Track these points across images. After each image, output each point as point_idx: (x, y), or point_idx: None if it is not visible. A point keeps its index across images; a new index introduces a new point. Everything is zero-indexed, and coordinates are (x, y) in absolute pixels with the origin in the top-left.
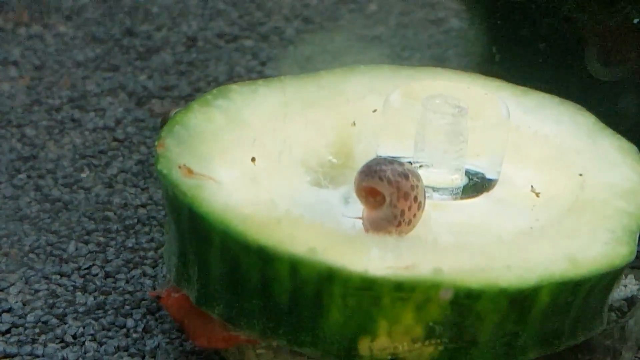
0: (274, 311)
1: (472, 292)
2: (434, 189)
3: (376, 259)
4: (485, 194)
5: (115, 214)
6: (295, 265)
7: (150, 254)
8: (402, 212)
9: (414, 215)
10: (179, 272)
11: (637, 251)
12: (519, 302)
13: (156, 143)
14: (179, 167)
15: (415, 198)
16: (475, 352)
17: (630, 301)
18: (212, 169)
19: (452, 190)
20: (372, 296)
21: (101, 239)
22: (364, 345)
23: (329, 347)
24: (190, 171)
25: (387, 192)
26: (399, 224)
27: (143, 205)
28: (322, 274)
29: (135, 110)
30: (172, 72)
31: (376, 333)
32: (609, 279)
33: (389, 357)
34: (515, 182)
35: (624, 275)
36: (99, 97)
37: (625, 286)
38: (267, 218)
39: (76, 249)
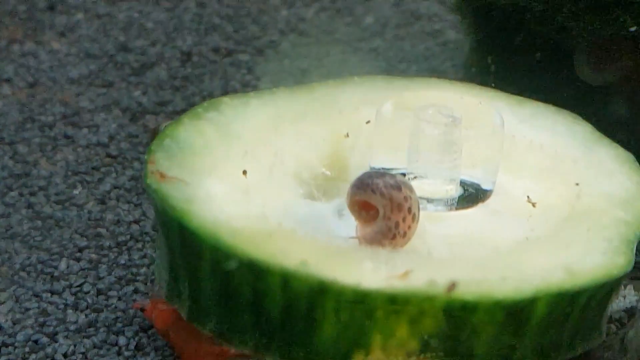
0: (266, 326)
1: (467, 304)
2: (429, 201)
3: (369, 271)
4: (480, 205)
5: (107, 230)
6: (286, 279)
7: (143, 270)
8: (397, 224)
9: (409, 227)
10: (169, 288)
11: (637, 262)
12: (515, 314)
13: (146, 157)
14: (151, 172)
15: (409, 209)
16: None
17: (630, 312)
18: (203, 182)
19: (447, 202)
20: (365, 309)
21: (93, 255)
22: (358, 359)
23: None
24: (162, 175)
25: (380, 205)
26: (394, 237)
27: (136, 222)
28: (314, 287)
29: (129, 126)
30: (166, 88)
31: (370, 347)
32: (607, 289)
33: None
34: (510, 192)
35: (623, 286)
36: (93, 113)
37: (625, 297)
38: (258, 231)
39: (67, 267)
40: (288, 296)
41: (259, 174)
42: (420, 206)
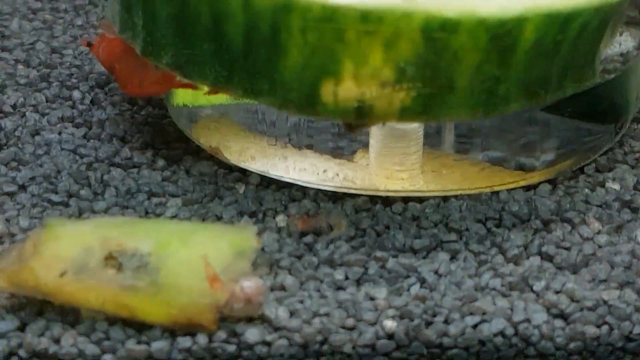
0: (227, 56)
1: (448, 22)
2: None
3: None
4: None
5: None
6: None
7: (100, 31)
8: None
9: None
10: (122, 21)
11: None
12: (500, 38)
13: None
14: None
15: None
16: (452, 99)
17: (625, 57)
18: None
19: None
20: (334, 30)
21: (48, 16)
22: (327, 91)
23: (288, 94)
24: None
25: None
26: None
27: None
28: (278, 3)
29: None
30: None
31: (340, 76)
32: (602, 16)
33: (355, 104)
34: None
35: (619, 33)
36: None
37: (620, 44)
38: None
39: (20, 27)
40: (250, 17)
41: None
42: None
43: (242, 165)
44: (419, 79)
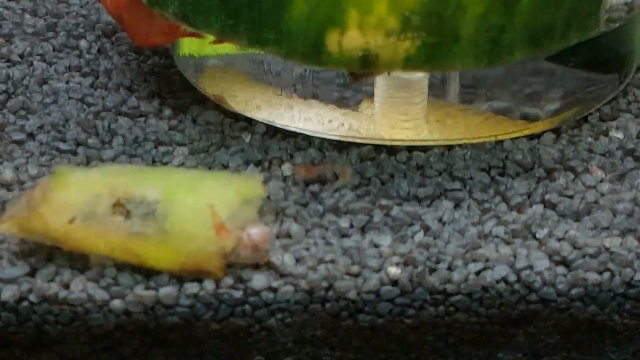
0: (233, 5)
1: None
2: None
3: None
4: None
5: None
6: None
7: None
8: None
9: None
10: None
11: None
12: None
13: None
14: None
15: None
16: (457, 49)
17: (630, 6)
18: None
19: None
20: None
21: None
22: (332, 40)
23: (294, 44)
24: None
25: None
26: None
27: None
28: None
29: None
30: None
31: (346, 25)
32: None
33: (360, 53)
34: None
35: None
36: None
37: None
38: None
39: None
40: None
41: None
42: None
43: (248, 114)
44: (423, 28)
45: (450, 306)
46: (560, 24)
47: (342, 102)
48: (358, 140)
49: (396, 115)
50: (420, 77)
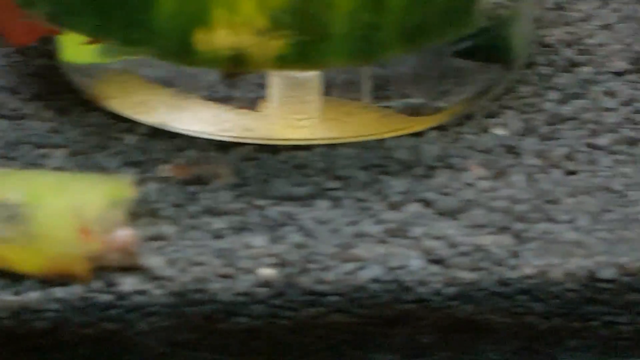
0: (103, 6)
1: None
2: None
3: None
4: None
5: None
6: None
7: None
8: None
9: None
10: None
11: None
12: None
13: None
14: None
15: None
16: (329, 47)
17: (514, 1)
18: None
19: None
20: None
21: None
22: (200, 39)
23: (164, 43)
24: None
25: None
26: None
27: None
28: None
29: None
30: None
31: (213, 24)
32: None
33: (231, 52)
34: None
35: None
36: None
37: None
38: None
39: None
40: None
41: None
42: None
43: (139, 117)
44: (293, 26)
45: (326, 307)
46: (435, 21)
47: (242, 102)
48: (251, 141)
49: (291, 114)
50: (313, 74)
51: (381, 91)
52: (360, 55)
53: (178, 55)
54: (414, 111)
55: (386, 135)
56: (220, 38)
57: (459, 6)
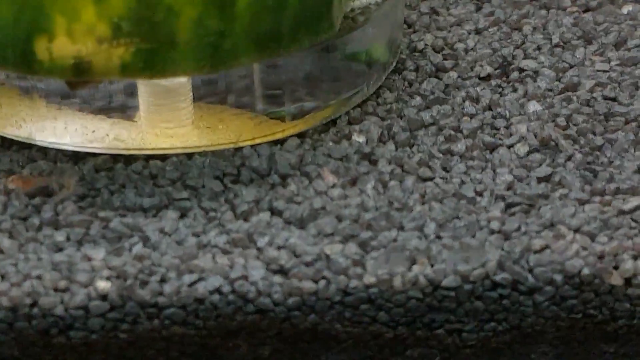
0: None
1: None
2: None
3: None
4: None
5: None
6: None
7: None
8: None
9: None
10: None
11: None
12: None
13: None
14: None
15: None
16: (175, 55)
17: (366, 11)
18: None
19: None
20: None
21: None
22: (41, 48)
23: (4, 52)
24: None
25: None
26: None
27: None
28: None
29: None
30: None
31: (53, 32)
32: None
33: (72, 60)
34: None
35: None
36: None
37: None
38: None
39: None
40: None
41: None
42: None
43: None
44: (136, 34)
45: (165, 319)
46: (287, 28)
47: (118, 112)
48: (123, 152)
49: (160, 122)
50: (183, 81)
51: (254, 97)
52: (208, 62)
53: (19, 64)
54: (282, 117)
55: (258, 141)
56: (60, 46)
57: (313, 13)
